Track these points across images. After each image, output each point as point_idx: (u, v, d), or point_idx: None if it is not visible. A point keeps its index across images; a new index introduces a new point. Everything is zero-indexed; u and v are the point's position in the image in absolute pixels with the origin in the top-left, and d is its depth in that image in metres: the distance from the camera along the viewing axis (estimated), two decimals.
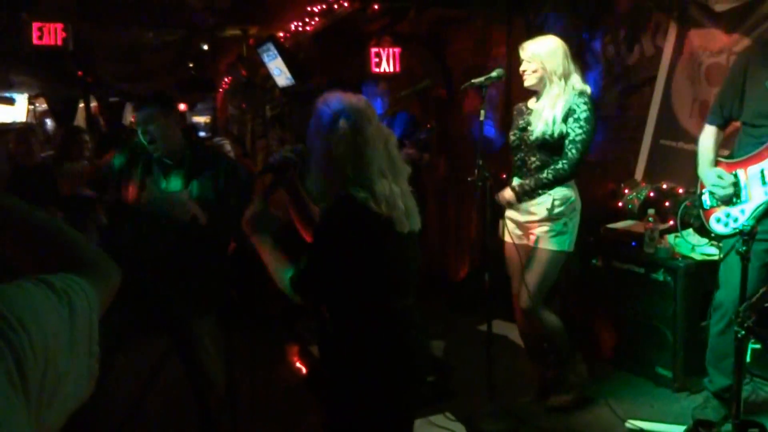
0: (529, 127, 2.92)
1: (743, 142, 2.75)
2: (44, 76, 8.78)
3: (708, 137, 2.83)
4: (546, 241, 2.88)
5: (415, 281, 1.82)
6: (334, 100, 1.74)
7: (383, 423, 1.78)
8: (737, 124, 2.87)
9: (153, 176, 2.61)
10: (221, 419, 2.62)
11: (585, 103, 2.82)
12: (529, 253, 2.96)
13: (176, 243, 2.49)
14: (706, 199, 2.82)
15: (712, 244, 3.17)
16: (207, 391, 2.61)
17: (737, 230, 2.65)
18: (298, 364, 3.65)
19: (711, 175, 2.75)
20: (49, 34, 4.64)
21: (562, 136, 2.82)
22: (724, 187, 2.69)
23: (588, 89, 2.91)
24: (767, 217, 2.60)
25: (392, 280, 1.76)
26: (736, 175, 2.70)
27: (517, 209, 2.99)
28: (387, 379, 1.75)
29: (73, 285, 0.80)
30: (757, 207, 2.62)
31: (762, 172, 2.63)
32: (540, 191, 2.85)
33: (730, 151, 2.86)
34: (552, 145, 2.85)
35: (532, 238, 2.94)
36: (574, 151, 2.81)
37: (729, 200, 2.71)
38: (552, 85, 2.85)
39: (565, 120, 2.81)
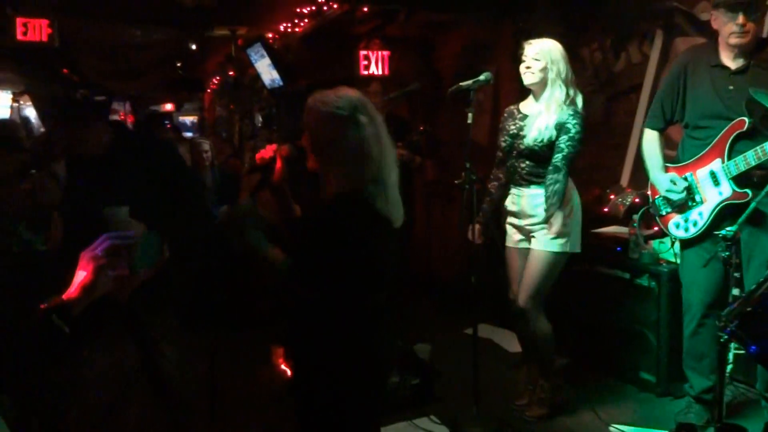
0: (521, 133, 2.92)
1: (687, 146, 2.80)
2: (29, 73, 8.66)
3: (652, 142, 2.87)
4: (544, 242, 2.88)
5: (391, 276, 1.84)
6: (344, 98, 1.73)
7: (349, 417, 1.80)
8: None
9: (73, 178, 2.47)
10: (183, 417, 2.58)
11: (579, 124, 2.81)
12: (528, 255, 2.96)
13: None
14: (660, 205, 2.86)
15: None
16: (165, 395, 2.57)
17: (697, 233, 2.72)
18: (283, 366, 3.62)
19: (664, 180, 2.79)
20: (34, 30, 4.57)
21: (551, 146, 2.82)
22: (678, 192, 2.74)
23: (580, 107, 2.89)
24: (724, 218, 2.64)
25: (375, 276, 1.78)
26: (686, 179, 2.76)
27: (517, 215, 3.00)
28: (355, 372, 1.76)
29: None
30: (715, 207, 2.67)
31: (712, 173, 2.68)
32: (554, 204, 2.81)
33: (675, 155, 2.91)
34: (540, 155, 2.85)
35: (533, 241, 2.94)
36: (565, 162, 2.80)
37: (684, 205, 2.75)
38: (554, 87, 2.84)
39: (557, 130, 2.81)
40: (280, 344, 3.82)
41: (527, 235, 2.98)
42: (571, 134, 2.80)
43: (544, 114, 2.84)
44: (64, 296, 1.24)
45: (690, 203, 2.75)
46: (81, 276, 1.25)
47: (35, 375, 1.39)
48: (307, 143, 1.79)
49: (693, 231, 2.74)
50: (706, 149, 2.69)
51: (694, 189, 2.74)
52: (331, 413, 1.79)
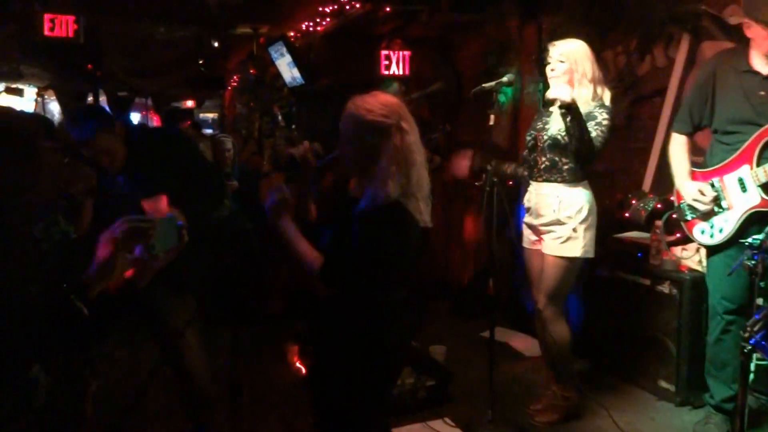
0: (545, 126, 2.90)
1: (715, 151, 2.75)
2: (54, 68, 8.80)
3: (679, 146, 2.83)
4: (554, 247, 2.86)
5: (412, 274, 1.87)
6: (388, 105, 1.74)
7: (362, 411, 1.83)
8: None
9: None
10: (206, 414, 2.60)
11: (606, 112, 2.79)
12: (542, 258, 2.94)
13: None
14: (685, 210, 2.81)
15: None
16: (189, 385, 2.58)
17: (723, 240, 2.68)
18: (297, 364, 3.63)
19: (691, 189, 2.75)
20: (60, 25, 4.65)
21: None
22: (705, 203, 2.70)
23: (608, 103, 2.86)
24: (751, 225, 2.60)
25: (402, 277, 1.81)
26: (713, 185, 2.71)
27: (530, 212, 2.98)
28: (371, 369, 1.79)
29: None
30: (742, 214, 2.62)
31: (740, 179, 2.63)
32: (581, 128, 2.65)
33: (703, 160, 2.86)
34: (562, 146, 2.81)
35: (543, 244, 2.92)
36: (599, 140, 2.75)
37: (710, 211, 2.71)
38: (581, 87, 2.81)
39: None
40: (294, 342, 3.84)
41: (538, 236, 2.96)
42: (597, 120, 2.76)
43: None
44: (83, 277, 1.26)
45: (716, 209, 2.71)
46: (99, 258, 1.26)
47: (60, 356, 1.42)
48: (345, 149, 1.79)
49: (718, 237, 2.70)
50: (734, 155, 2.65)
51: (720, 195, 2.70)
52: (345, 408, 1.82)
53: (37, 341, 1.24)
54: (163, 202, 2.35)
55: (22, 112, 2.21)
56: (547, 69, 2.89)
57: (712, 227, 2.73)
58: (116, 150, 2.47)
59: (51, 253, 1.45)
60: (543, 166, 2.89)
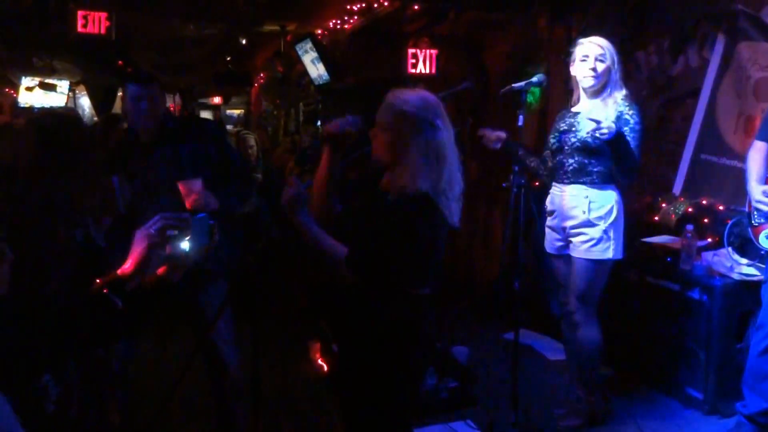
0: (573, 128, 2.85)
1: None
2: (86, 64, 8.97)
3: (757, 153, 2.77)
4: (584, 251, 2.81)
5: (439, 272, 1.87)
6: (425, 99, 1.77)
7: (388, 409, 1.83)
8: None
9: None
10: (237, 406, 2.61)
11: (637, 114, 2.76)
12: (571, 261, 2.90)
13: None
14: (755, 215, 2.75)
15: (752, 265, 3.06)
16: (221, 376, 2.60)
17: None
18: (319, 361, 3.64)
19: (757, 191, 2.69)
20: (93, 22, 4.73)
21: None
22: (767, 207, 2.62)
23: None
24: None
25: (430, 270, 1.81)
26: None
27: (554, 216, 2.94)
28: (398, 364, 1.80)
29: None
30: None
31: None
32: (626, 152, 2.66)
33: None
34: (593, 149, 2.77)
35: (572, 247, 2.88)
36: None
37: None
38: (615, 87, 2.79)
39: (615, 123, 2.72)
40: (317, 338, 3.85)
41: (566, 239, 2.91)
42: (631, 125, 2.73)
43: (602, 109, 2.76)
44: (119, 272, 1.30)
45: None
46: (135, 253, 1.30)
47: (93, 349, 1.45)
48: (379, 137, 1.80)
49: None
50: None
51: None
52: (370, 405, 1.82)
53: (55, 340, 1.26)
54: (198, 185, 2.38)
55: (68, 117, 2.25)
56: (582, 66, 2.81)
57: None
58: (159, 102, 2.58)
59: (75, 251, 1.48)
60: (571, 168, 2.84)
